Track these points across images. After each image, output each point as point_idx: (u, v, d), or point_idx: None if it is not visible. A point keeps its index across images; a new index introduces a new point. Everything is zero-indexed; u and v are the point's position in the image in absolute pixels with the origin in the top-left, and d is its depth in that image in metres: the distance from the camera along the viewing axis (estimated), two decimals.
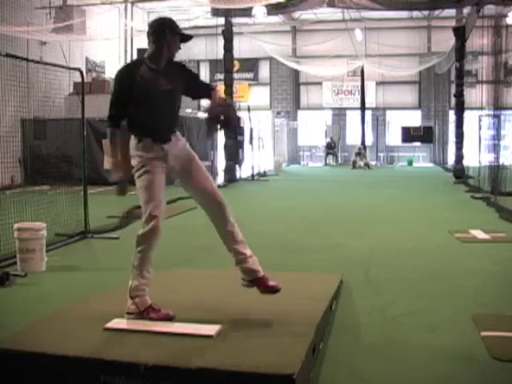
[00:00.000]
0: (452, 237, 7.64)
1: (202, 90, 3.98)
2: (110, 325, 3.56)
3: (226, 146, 17.89)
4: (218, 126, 3.82)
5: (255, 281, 3.82)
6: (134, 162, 3.75)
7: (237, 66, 24.07)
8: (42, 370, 3.12)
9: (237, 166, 18.69)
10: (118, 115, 3.78)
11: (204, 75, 28.91)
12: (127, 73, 3.77)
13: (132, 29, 22.03)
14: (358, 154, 24.77)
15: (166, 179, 3.79)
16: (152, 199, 3.67)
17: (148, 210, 3.68)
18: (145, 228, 3.72)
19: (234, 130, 3.94)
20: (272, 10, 17.64)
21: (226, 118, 3.78)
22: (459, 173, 17.60)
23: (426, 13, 24.84)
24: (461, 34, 17.98)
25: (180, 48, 3.86)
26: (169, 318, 3.67)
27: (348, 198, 13.26)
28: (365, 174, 21.36)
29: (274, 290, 3.80)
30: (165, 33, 3.73)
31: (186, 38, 3.88)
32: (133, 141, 3.75)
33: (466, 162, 18.24)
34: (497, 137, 12.70)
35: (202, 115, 19.68)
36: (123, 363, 3.03)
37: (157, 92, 3.70)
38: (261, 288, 3.81)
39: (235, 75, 21.28)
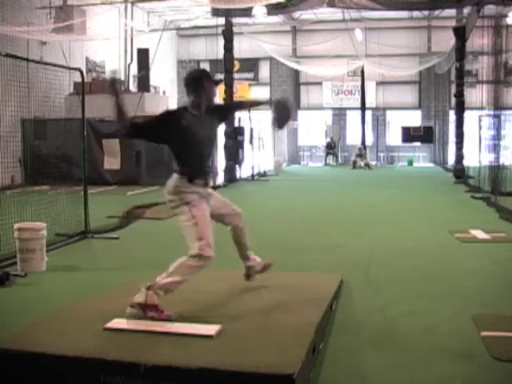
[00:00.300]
0: (452, 237, 7.64)
1: (232, 108, 4.68)
2: (110, 325, 3.57)
3: (226, 146, 17.88)
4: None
5: (261, 269, 4.55)
6: (179, 196, 3.93)
7: (237, 65, 24.06)
8: (41, 370, 3.13)
9: (237, 165, 18.69)
10: (138, 132, 3.99)
11: None
12: (174, 116, 4.01)
13: (132, 29, 22.02)
14: (359, 155, 24.81)
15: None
16: (202, 236, 3.85)
17: (199, 249, 3.80)
18: (196, 262, 3.83)
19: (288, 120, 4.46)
20: (272, 9, 17.62)
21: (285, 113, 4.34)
22: (459, 173, 17.60)
23: (426, 13, 24.81)
24: (461, 33, 17.97)
25: (215, 94, 4.16)
26: (169, 321, 3.69)
27: (348, 198, 13.26)
28: (365, 174, 21.36)
29: (268, 265, 4.60)
30: (202, 83, 4.03)
31: (218, 82, 4.31)
32: (180, 179, 3.95)
33: (466, 162, 18.23)
34: (497, 137, 12.69)
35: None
36: (123, 363, 3.04)
37: (203, 137, 4.02)
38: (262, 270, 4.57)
39: (235, 75, 21.26)
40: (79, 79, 8.20)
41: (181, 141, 3.94)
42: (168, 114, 4.13)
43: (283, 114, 4.33)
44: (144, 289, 3.75)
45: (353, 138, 27.73)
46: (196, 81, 4.06)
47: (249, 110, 17.33)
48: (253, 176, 19.18)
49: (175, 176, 3.97)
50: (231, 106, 4.53)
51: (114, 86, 3.86)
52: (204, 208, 3.96)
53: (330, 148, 27.29)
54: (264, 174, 20.48)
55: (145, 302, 3.70)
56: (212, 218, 4.08)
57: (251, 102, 4.38)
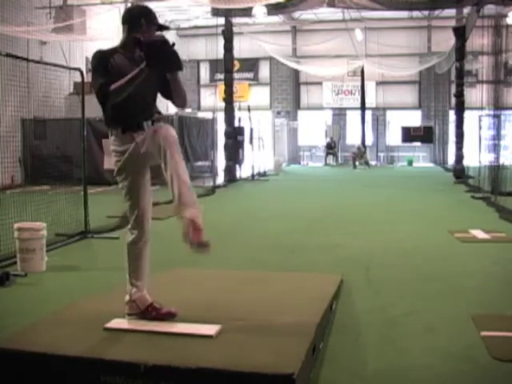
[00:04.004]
0: (452, 237, 7.64)
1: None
2: (109, 325, 3.56)
3: (226, 146, 17.89)
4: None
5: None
6: (114, 158, 3.62)
7: (237, 65, 24.05)
8: (41, 370, 3.13)
9: (237, 165, 18.69)
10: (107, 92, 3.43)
11: (204, 75, 28.95)
12: (101, 56, 3.57)
13: None
14: (357, 154, 24.85)
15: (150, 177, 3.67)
16: (135, 206, 3.61)
17: (133, 219, 3.62)
18: (132, 236, 3.65)
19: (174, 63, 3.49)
20: (272, 9, 17.61)
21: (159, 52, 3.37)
22: (459, 173, 17.59)
23: (426, 13, 24.79)
24: (461, 33, 17.96)
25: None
26: (171, 315, 3.68)
27: (348, 198, 13.26)
28: (365, 174, 21.36)
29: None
30: (140, 23, 3.56)
31: (162, 28, 3.72)
32: (110, 137, 3.61)
33: (466, 162, 18.22)
34: (497, 137, 12.69)
35: (203, 115, 19.71)
36: (123, 363, 3.03)
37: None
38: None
39: (235, 75, 21.26)
40: (79, 79, 8.20)
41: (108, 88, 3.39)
42: (96, 56, 3.58)
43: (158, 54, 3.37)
44: (129, 301, 3.70)
45: (353, 138, 27.72)
46: (133, 18, 3.59)
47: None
48: (253, 176, 19.18)
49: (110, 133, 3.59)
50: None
51: None
52: (137, 180, 3.58)
53: (330, 148, 27.29)
54: (264, 174, 20.48)
55: (138, 309, 3.68)
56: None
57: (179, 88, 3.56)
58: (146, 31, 3.55)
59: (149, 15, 3.61)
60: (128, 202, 3.64)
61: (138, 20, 3.57)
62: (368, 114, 27.24)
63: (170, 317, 3.67)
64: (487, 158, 13.38)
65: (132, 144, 3.52)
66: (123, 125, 3.54)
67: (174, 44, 3.35)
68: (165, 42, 3.37)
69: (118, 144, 3.58)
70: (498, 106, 12.49)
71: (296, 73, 28.37)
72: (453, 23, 22.02)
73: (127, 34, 3.62)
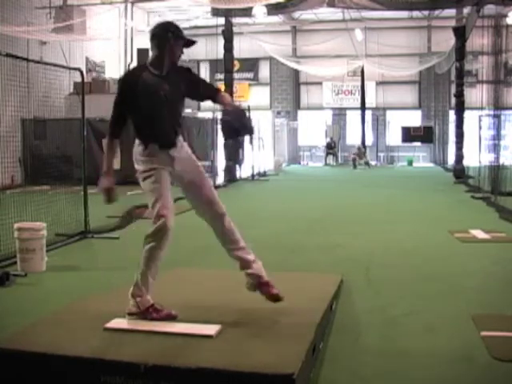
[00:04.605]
0: (452, 237, 7.64)
1: (206, 93, 3.96)
2: (109, 325, 3.56)
3: (225, 146, 17.88)
4: (233, 132, 4.06)
5: (258, 285, 3.83)
6: (139, 167, 3.77)
7: (237, 65, 24.06)
8: (41, 370, 3.12)
9: (237, 165, 18.69)
10: (118, 124, 3.77)
11: (204, 75, 28.91)
12: (129, 79, 3.76)
13: (132, 29, 22.01)
14: (358, 154, 24.85)
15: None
16: (159, 199, 3.67)
17: (156, 210, 3.66)
18: (153, 227, 3.68)
19: (249, 134, 4.11)
20: (272, 9, 17.63)
21: (241, 125, 3.93)
22: (459, 173, 17.59)
23: (426, 13, 24.81)
24: (461, 33, 17.97)
25: (183, 53, 3.81)
26: (171, 318, 3.68)
27: (348, 198, 13.26)
28: (365, 174, 21.36)
29: (275, 299, 3.79)
30: (167, 37, 3.68)
31: (190, 43, 3.83)
32: (138, 147, 3.75)
33: (466, 162, 18.22)
34: (497, 137, 12.69)
35: (203, 115, 19.71)
36: (123, 363, 3.03)
37: (160, 98, 3.68)
38: (263, 293, 3.83)
39: (235, 75, 21.28)
40: (79, 79, 8.20)
41: (138, 103, 3.64)
42: (122, 80, 3.82)
43: (237, 123, 3.95)
44: (131, 297, 3.69)
45: (353, 138, 27.73)
46: (161, 34, 3.71)
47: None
48: (253, 176, 19.18)
49: (135, 143, 3.76)
50: (207, 92, 3.92)
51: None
52: (160, 174, 3.70)
53: (330, 148, 27.30)
54: (264, 174, 20.48)
55: (139, 310, 3.67)
56: (183, 190, 3.87)
57: (227, 101, 3.91)
58: (174, 46, 3.70)
59: (175, 30, 3.74)
60: (152, 195, 3.69)
61: (166, 35, 3.68)
62: (368, 114, 27.25)
63: (170, 319, 3.66)
64: (487, 158, 13.39)
65: (167, 159, 3.72)
66: (160, 142, 3.71)
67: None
68: (245, 116, 4.01)
69: (150, 159, 3.71)
70: (497, 106, 12.49)
71: (296, 73, 28.38)
72: (453, 23, 22.02)
73: (157, 51, 3.72)
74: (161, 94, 3.68)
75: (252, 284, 3.84)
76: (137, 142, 3.76)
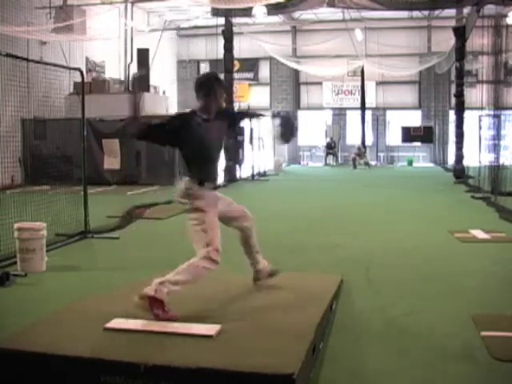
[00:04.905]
0: (452, 237, 7.64)
1: (240, 121, 4.82)
2: (109, 325, 3.57)
3: (225, 146, 17.87)
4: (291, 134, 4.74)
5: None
6: (191, 202, 3.97)
7: (237, 65, 24.04)
8: (41, 370, 3.13)
9: (237, 165, 18.68)
10: (150, 135, 4.04)
11: None
12: (186, 117, 4.08)
13: (132, 29, 22.00)
14: (358, 154, 24.86)
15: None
16: (213, 241, 3.91)
17: (210, 254, 3.85)
18: (205, 263, 3.86)
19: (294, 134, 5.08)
20: (272, 9, 17.62)
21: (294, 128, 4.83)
22: (459, 173, 17.59)
23: (426, 13, 24.79)
24: (461, 33, 17.96)
25: (225, 100, 4.20)
26: (172, 321, 3.69)
27: (348, 198, 13.26)
28: (365, 174, 21.36)
29: (272, 274, 4.55)
30: (214, 87, 4.08)
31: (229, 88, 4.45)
32: (191, 183, 4.00)
33: (466, 162, 18.21)
34: (497, 137, 12.69)
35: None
36: (123, 363, 3.04)
37: (212, 141, 4.08)
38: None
39: (235, 75, 21.27)
40: (79, 79, 8.20)
41: (190, 145, 4.00)
42: (179, 117, 4.23)
43: (288, 128, 4.66)
44: (157, 282, 3.73)
45: (353, 138, 27.73)
46: (208, 84, 4.10)
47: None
48: (253, 176, 19.18)
49: (186, 179, 4.04)
50: (239, 116, 4.74)
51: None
52: (213, 213, 4.01)
53: (330, 148, 27.29)
54: (264, 174, 20.48)
55: (154, 295, 3.68)
56: (220, 221, 4.14)
57: (252, 114, 4.60)
58: (218, 93, 4.11)
59: (218, 80, 4.19)
60: (203, 236, 3.93)
61: (212, 86, 4.09)
62: (368, 114, 27.24)
63: (170, 321, 3.68)
64: (487, 158, 13.39)
65: (216, 199, 4.14)
66: (213, 184, 4.17)
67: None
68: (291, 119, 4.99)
69: (204, 196, 4.00)
70: (497, 106, 12.49)
71: (296, 73, 28.37)
72: (453, 23, 22.01)
73: (204, 100, 4.07)
74: (213, 137, 4.07)
75: (262, 275, 4.57)
76: (187, 178, 4.04)
